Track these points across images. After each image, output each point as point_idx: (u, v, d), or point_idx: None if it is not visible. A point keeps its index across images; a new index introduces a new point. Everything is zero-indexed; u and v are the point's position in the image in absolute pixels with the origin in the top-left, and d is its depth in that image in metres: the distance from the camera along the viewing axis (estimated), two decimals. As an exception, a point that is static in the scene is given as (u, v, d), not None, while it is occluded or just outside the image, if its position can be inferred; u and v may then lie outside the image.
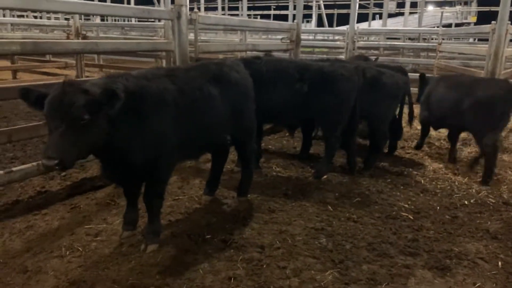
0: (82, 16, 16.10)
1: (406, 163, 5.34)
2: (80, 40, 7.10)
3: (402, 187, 4.51)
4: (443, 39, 8.85)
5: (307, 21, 28.91)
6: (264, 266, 2.82)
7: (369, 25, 21.42)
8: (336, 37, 16.88)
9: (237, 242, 3.11)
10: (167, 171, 3.02)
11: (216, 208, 3.71)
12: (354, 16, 9.48)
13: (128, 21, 20.81)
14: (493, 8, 22.08)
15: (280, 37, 7.54)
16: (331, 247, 3.09)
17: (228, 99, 3.26)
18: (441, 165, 5.34)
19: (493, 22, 6.03)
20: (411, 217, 3.71)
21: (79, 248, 2.99)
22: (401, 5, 25.85)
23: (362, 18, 22.39)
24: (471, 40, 19.38)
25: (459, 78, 5.36)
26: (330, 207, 3.85)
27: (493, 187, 4.54)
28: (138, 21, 18.27)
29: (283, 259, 2.91)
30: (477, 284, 2.67)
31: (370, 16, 21.80)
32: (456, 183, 4.70)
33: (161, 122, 2.72)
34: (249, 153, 3.78)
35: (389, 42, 11.31)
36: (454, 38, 17.36)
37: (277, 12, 26.71)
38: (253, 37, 15.96)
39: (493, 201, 4.20)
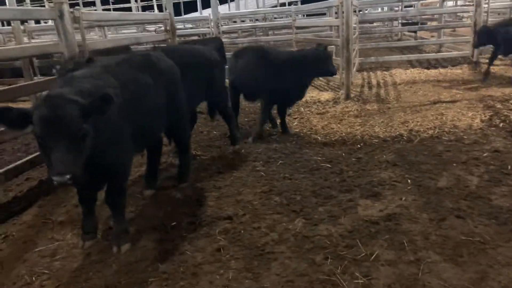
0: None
1: (298, 127, 6.06)
2: None
3: (307, 145, 5.18)
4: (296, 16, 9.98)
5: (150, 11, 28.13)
6: (241, 231, 3.07)
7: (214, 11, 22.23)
8: (188, 25, 17.13)
9: (205, 220, 3.27)
10: (129, 168, 2.96)
11: (165, 199, 3.75)
12: (215, 2, 9.87)
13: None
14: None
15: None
16: (286, 202, 3.51)
17: (162, 87, 3.30)
18: (326, 122, 6.23)
19: (340, -4, 7.12)
20: (329, 165, 4.37)
21: (44, 271, 2.75)
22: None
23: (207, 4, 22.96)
24: (300, 16, 21.88)
25: None
26: (263, 173, 4.24)
27: (369, 131, 5.57)
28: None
29: (254, 221, 3.21)
30: (403, 198, 3.43)
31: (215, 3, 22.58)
32: (343, 134, 5.60)
33: (120, 120, 2.68)
34: (186, 140, 3.88)
35: (250, 24, 12.09)
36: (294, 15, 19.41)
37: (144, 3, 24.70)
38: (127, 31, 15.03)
39: (376, 141, 5.18)
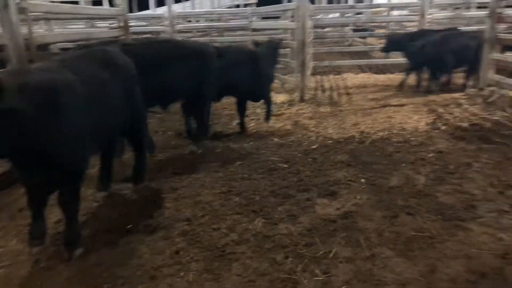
0: None
1: (255, 128, 6.10)
2: None
3: (264, 146, 5.22)
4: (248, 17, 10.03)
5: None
6: (201, 233, 3.03)
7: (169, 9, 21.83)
8: (139, 23, 16.62)
9: (162, 222, 3.19)
10: (86, 168, 2.81)
11: (119, 201, 3.61)
12: (170, 0, 9.69)
13: None
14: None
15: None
16: (245, 202, 3.51)
17: (120, 83, 3.19)
18: (281, 124, 6.32)
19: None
20: (287, 166, 4.43)
21: (-13, 280, 2.55)
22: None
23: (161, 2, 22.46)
24: (255, 18, 22.13)
25: None
26: (221, 174, 4.22)
27: (323, 133, 5.73)
28: None
29: (214, 223, 3.17)
30: (358, 197, 3.55)
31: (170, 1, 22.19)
32: (299, 135, 5.70)
33: (77, 116, 2.54)
34: (143, 138, 3.76)
35: (206, 24, 11.97)
36: (244, 18, 19.49)
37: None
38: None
39: (330, 142, 5.33)
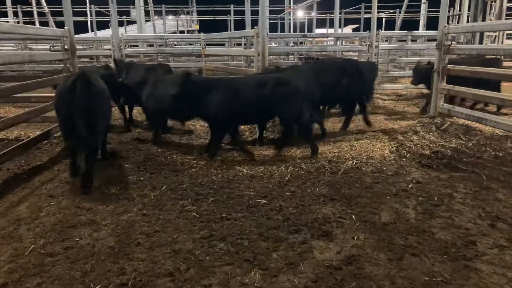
0: None
1: (218, 157, 5.71)
2: None
3: (234, 178, 4.82)
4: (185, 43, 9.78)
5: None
6: (190, 291, 2.53)
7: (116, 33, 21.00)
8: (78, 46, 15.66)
9: (140, 280, 2.64)
10: None
11: (79, 254, 2.97)
12: (115, 23, 9.11)
13: None
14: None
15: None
16: (234, 249, 3.06)
17: None
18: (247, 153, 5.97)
19: (256, 27, 7.11)
20: (266, 201, 4.06)
21: None
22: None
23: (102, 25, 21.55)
24: (198, 44, 22.01)
25: None
26: (195, 214, 3.74)
27: (292, 162, 5.48)
28: None
29: (202, 277, 2.69)
30: (355, 237, 3.26)
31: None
32: (268, 165, 5.37)
33: None
34: None
35: (157, 49, 11.41)
36: (188, 43, 19.26)
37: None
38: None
39: (302, 172, 5.05)
